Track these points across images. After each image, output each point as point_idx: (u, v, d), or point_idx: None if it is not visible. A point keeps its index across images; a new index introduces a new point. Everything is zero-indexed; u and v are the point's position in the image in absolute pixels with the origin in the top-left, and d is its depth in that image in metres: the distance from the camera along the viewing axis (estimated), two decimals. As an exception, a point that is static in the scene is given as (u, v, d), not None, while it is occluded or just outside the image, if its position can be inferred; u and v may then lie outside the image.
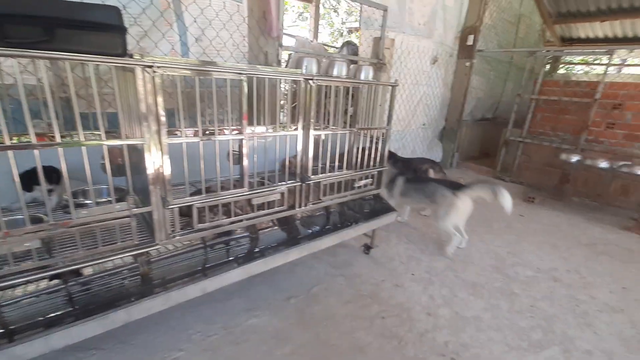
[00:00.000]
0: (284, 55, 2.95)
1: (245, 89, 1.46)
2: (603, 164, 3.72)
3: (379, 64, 3.48)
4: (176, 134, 1.66)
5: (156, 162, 1.33)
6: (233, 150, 1.77)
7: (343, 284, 2.20)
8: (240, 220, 1.70)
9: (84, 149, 1.18)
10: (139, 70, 1.20)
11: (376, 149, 2.18)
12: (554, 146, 4.42)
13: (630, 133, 3.99)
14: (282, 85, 2.62)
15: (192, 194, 1.56)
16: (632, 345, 1.82)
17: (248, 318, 1.85)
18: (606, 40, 6.30)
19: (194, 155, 1.46)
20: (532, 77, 4.96)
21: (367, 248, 2.60)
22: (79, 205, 1.47)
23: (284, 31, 2.61)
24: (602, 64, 4.06)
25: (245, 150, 1.58)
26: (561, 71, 7.79)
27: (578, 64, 8.47)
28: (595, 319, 2.02)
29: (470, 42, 4.81)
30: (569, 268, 2.59)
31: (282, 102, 2.70)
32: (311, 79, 1.65)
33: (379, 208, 2.45)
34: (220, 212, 1.61)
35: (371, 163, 2.19)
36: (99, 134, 1.22)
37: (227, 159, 2.07)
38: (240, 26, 2.45)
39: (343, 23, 9.04)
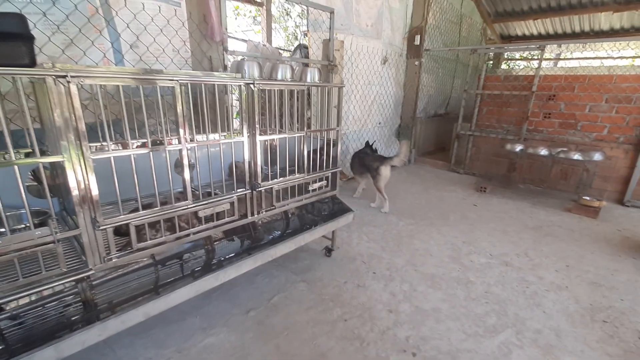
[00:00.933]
0: (231, 60, 2.86)
1: (180, 96, 1.37)
2: (543, 152, 3.99)
3: (330, 66, 3.49)
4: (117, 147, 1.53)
5: (81, 179, 1.21)
6: (178, 160, 1.68)
7: (304, 290, 2.16)
8: (187, 235, 1.60)
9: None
10: (50, 81, 1.08)
11: (328, 151, 2.17)
12: (499, 137, 4.69)
13: (564, 121, 4.33)
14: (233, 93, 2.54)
15: (131, 211, 1.45)
16: (576, 320, 1.94)
17: (204, 337, 1.75)
18: (540, 37, 6.82)
19: (136, 170, 1.36)
20: (477, 74, 5.24)
21: (329, 250, 2.58)
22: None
23: (237, 35, 2.53)
24: (537, 59, 4.36)
25: (186, 161, 1.50)
26: (504, 67, 8.33)
27: (518, 59, 9.12)
28: (543, 298, 2.14)
29: (417, 42, 4.99)
30: (519, 252, 2.74)
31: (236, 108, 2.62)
32: (252, 83, 1.60)
33: (337, 210, 2.44)
34: (162, 228, 1.51)
35: (324, 165, 2.17)
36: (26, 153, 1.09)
37: (174, 171, 1.97)
38: (180, 31, 2.34)
39: (297, 26, 9.03)
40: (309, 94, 3.20)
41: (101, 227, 1.28)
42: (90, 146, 1.60)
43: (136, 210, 1.41)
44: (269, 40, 5.52)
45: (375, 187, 3.45)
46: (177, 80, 1.35)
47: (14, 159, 1.09)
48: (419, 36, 4.94)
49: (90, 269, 1.32)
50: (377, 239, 2.90)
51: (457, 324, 1.88)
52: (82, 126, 1.17)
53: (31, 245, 1.18)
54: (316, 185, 2.15)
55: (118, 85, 1.26)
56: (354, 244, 2.79)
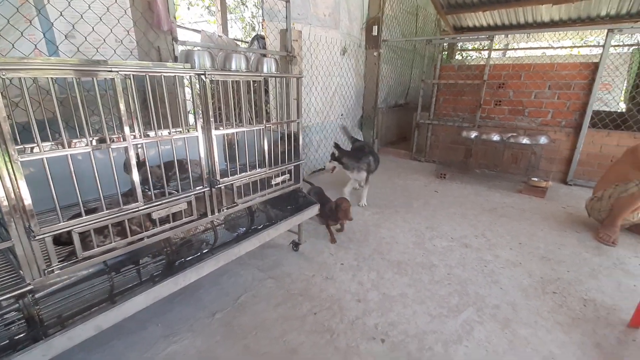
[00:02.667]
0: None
1: (120, 88, 1.26)
2: (496, 137, 4.21)
3: (289, 57, 3.42)
4: (57, 147, 1.37)
5: (8, 185, 1.07)
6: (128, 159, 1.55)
7: (272, 286, 2.12)
8: (141, 239, 1.49)
9: None
10: (-42, 73, 0.93)
11: (289, 143, 2.11)
12: (456, 125, 4.88)
13: (513, 108, 4.59)
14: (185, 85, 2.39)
15: (73, 217, 1.32)
16: (529, 293, 2.08)
17: (167, 345, 1.66)
18: (489, 28, 7.16)
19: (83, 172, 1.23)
20: (433, 64, 5.40)
21: (296, 245, 2.55)
22: None
23: (187, 27, 2.38)
24: (487, 49, 4.57)
25: (133, 159, 1.38)
26: (458, 57, 8.68)
27: (471, 50, 9.55)
28: (500, 275, 2.26)
29: (375, 32, 5.03)
30: (477, 233, 2.88)
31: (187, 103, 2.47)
32: (203, 74, 1.51)
33: (302, 203, 2.41)
34: (112, 234, 1.39)
35: (287, 158, 2.12)
36: None
37: (124, 171, 1.83)
38: (122, 19, 2.15)
39: (253, 16, 8.78)
40: (266, 86, 3.11)
41: (37, 237, 1.15)
42: (25, 147, 1.46)
43: (79, 215, 1.28)
44: (225, 30, 5.31)
45: (367, 181, 3.51)
46: (116, 71, 1.23)
47: None
48: (376, 27, 4.98)
49: (29, 284, 1.19)
50: (345, 229, 2.91)
51: (423, 307, 1.93)
52: (6, 125, 1.03)
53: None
54: (279, 179, 2.09)
55: (50, 79, 1.12)
56: (321, 237, 2.78)
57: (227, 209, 1.83)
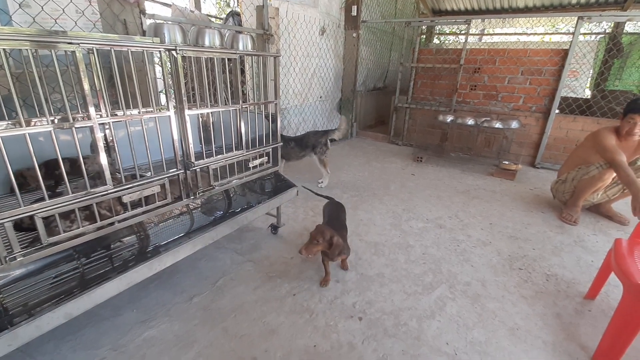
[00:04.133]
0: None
1: (82, 64, 1.17)
2: (470, 122, 4.32)
3: (266, 35, 3.30)
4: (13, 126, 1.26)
5: (-42, 167, 0.99)
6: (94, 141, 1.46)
7: (251, 269, 2.11)
8: (111, 224, 1.43)
9: None
10: None
11: (268, 124, 2.07)
12: (433, 109, 4.95)
13: (487, 93, 4.70)
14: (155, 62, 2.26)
15: (36, 201, 1.24)
16: (498, 270, 2.19)
17: (144, 330, 1.63)
18: (467, 12, 7.21)
19: (42, 154, 1.14)
20: (411, 47, 5.39)
21: (274, 228, 2.54)
22: None
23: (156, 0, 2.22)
24: (464, 34, 4.61)
25: (100, 139, 1.30)
26: (435, 41, 8.72)
27: (449, 34, 9.60)
28: (471, 254, 2.36)
29: (354, 12, 4.94)
30: (451, 214, 2.97)
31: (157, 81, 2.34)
32: (174, 49, 1.43)
33: (280, 186, 2.39)
34: (79, 219, 1.32)
35: (264, 140, 2.08)
36: None
37: (91, 152, 1.74)
38: (83, -12, 1.99)
39: (228, -7, 8.38)
40: (242, 65, 3.00)
41: (-5, 222, 1.07)
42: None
43: (41, 199, 1.21)
44: (197, 6, 5.05)
45: (322, 162, 3.42)
46: (77, 44, 1.14)
47: None
48: (355, 7, 4.89)
49: (-12, 272, 1.12)
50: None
51: (399, 286, 2.00)
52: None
53: None
54: (257, 162, 2.05)
55: (2, 51, 1.02)
56: (300, 220, 2.78)
57: (203, 192, 1.78)
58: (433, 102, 5.06)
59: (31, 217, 1.19)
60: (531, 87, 4.42)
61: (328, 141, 3.41)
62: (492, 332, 1.67)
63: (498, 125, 4.16)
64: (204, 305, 1.80)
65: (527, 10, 6.58)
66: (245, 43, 1.90)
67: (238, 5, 3.63)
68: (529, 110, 4.48)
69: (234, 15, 3.92)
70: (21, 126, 1.11)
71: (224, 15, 7.91)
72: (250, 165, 2.02)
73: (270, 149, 2.13)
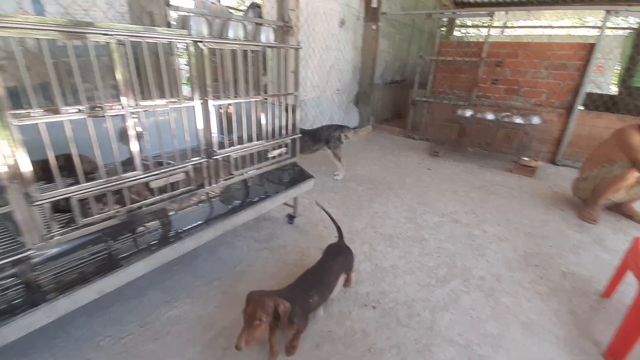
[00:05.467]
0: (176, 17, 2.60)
1: (116, 55, 1.23)
2: (490, 116, 4.24)
3: (286, 27, 3.33)
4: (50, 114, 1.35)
5: (6, 148, 1.07)
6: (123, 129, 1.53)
7: (268, 257, 2.18)
8: (139, 208, 1.51)
9: None
10: (-51, 31, 0.90)
11: (287, 116, 2.11)
12: (452, 103, 4.88)
13: (509, 87, 4.59)
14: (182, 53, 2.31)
15: (72, 184, 1.32)
16: (513, 265, 2.18)
17: (167, 310, 1.71)
18: (490, 4, 7.02)
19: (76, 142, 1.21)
20: (432, 40, 5.31)
21: (291, 218, 2.59)
22: None
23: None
24: (487, 26, 4.50)
25: (132, 127, 1.37)
26: (456, 34, 8.52)
27: (470, 26, 9.36)
28: (487, 249, 2.36)
29: (374, 4, 4.89)
30: (467, 209, 2.96)
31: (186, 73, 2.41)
32: (201, 42, 1.47)
33: (298, 176, 2.43)
34: (110, 202, 1.40)
35: (284, 131, 2.12)
36: None
37: (121, 142, 1.82)
38: (113, -20, 2.06)
39: (248, -16, 8.38)
40: (264, 57, 3.04)
41: (36, 203, 1.16)
42: (15, 114, 1.43)
43: (77, 182, 1.28)
44: (218, -2, 5.09)
45: (336, 156, 3.45)
46: (113, 35, 1.20)
47: None
48: (376, -2, 4.84)
49: (29, 249, 1.21)
50: (338, 204, 2.97)
51: (413, 277, 2.02)
52: (1, 89, 1.01)
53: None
54: (276, 152, 2.10)
55: (41, 42, 1.09)
56: (315, 211, 2.82)
57: (223, 180, 1.84)
58: (452, 96, 4.99)
59: (66, 200, 1.28)
60: (555, 82, 4.30)
61: (342, 136, 3.42)
62: (505, 326, 1.68)
63: (519, 120, 4.07)
64: (223, 289, 1.87)
65: (553, 3, 6.35)
66: (267, 35, 1.93)
67: (259, -4, 3.65)
68: (552, 106, 4.37)
69: (254, 7, 3.95)
70: (58, 113, 1.18)
71: (243, 7, 7.95)
72: (270, 155, 2.07)
73: (289, 140, 2.17)
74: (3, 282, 1.31)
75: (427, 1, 6.90)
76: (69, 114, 1.21)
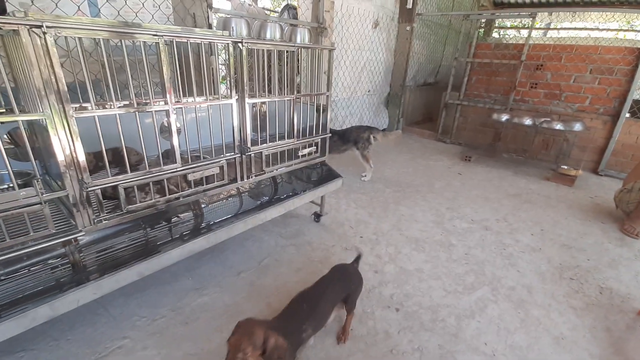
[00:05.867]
0: (216, 19, 2.72)
1: (164, 54, 1.31)
2: (528, 122, 4.07)
3: (320, 28, 3.37)
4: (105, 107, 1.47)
5: (65, 138, 1.18)
6: (163, 124, 1.63)
7: (294, 253, 2.22)
8: (177, 199, 1.60)
9: (-35, 128, 0.99)
10: (24, 32, 1.01)
11: (318, 115, 2.14)
12: (487, 107, 4.73)
13: (549, 92, 4.38)
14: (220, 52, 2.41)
15: (119, 173, 1.43)
16: (546, 277, 2.09)
17: (198, 297, 1.80)
18: (532, 5, 6.71)
19: (112, 134, 1.31)
20: (468, 41, 5.16)
21: (317, 216, 2.63)
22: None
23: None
24: (527, 28, 4.32)
25: (174, 122, 1.46)
26: (495, 35, 8.21)
27: (510, 28, 8.99)
28: (518, 259, 2.27)
29: (409, 5, 4.83)
30: (499, 217, 2.86)
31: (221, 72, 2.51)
32: (240, 42, 1.54)
33: (326, 175, 2.47)
34: (152, 191, 1.50)
35: (314, 130, 2.16)
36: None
37: (161, 136, 1.93)
38: (160, -16, 2.19)
39: (283, -15, 8.54)
40: (298, 58, 3.09)
41: (89, 189, 1.26)
42: (78, 106, 1.56)
43: (124, 172, 1.39)
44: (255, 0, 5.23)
45: (364, 157, 3.44)
46: (161, 36, 1.28)
47: (-8, 116, 1.04)
48: (411, -1, 4.78)
49: (80, 231, 1.32)
50: (365, 205, 2.97)
51: (439, 283, 1.99)
52: (63, 82, 1.11)
53: (16, 206, 1.15)
54: (306, 151, 2.15)
55: (96, 42, 1.19)
56: (342, 210, 2.85)
57: (255, 176, 1.91)
58: (487, 100, 4.83)
59: (113, 188, 1.38)
60: (600, 87, 4.05)
61: (371, 137, 3.41)
62: (534, 339, 1.62)
63: (559, 126, 3.88)
64: (250, 281, 1.94)
65: (600, 4, 5.97)
66: (302, 36, 1.98)
67: (295, -2, 3.72)
68: (596, 112, 4.12)
69: (290, 9, 4.03)
70: (110, 107, 1.28)
71: (278, 9, 8.11)
72: (300, 154, 2.12)
73: (319, 140, 2.21)
74: (54, 261, 1.44)
75: (465, 2, 6.71)
76: (119, 109, 1.31)
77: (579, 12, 5.15)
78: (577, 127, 3.83)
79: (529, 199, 3.29)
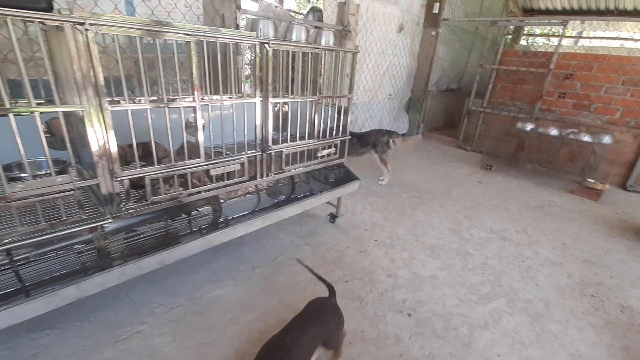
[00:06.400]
0: (244, 20, 2.78)
1: (194, 52, 1.37)
2: (554, 132, 3.95)
3: (344, 31, 3.39)
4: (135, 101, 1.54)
5: (99, 130, 1.24)
6: (188, 120, 1.70)
7: (308, 252, 2.25)
8: (199, 192, 1.65)
9: (12, 117, 1.07)
10: (68, 28, 1.08)
11: (339, 117, 2.17)
12: (511, 115, 4.62)
13: (578, 102, 4.24)
14: (246, 53, 2.48)
15: (143, 166, 1.49)
16: (566, 293, 2.03)
17: (213, 289, 1.85)
18: (564, 12, 6.50)
19: (147, 126, 1.38)
20: (494, 47, 5.07)
21: (333, 217, 2.65)
22: (14, 179, 1.36)
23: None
24: (558, 36, 4.20)
25: (200, 118, 1.51)
26: (522, 43, 8.01)
27: (538, 35, 8.75)
28: (537, 272, 2.22)
29: (436, 10, 4.79)
30: (518, 228, 2.80)
31: (247, 71, 2.58)
32: (267, 43, 1.58)
33: (343, 177, 2.48)
34: (176, 184, 1.56)
35: (334, 132, 2.18)
36: (37, 102, 1.12)
37: (186, 132, 2.00)
38: (193, -15, 2.27)
39: (309, -12, 8.62)
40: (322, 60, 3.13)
41: (119, 178, 1.33)
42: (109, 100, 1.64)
43: (151, 165, 1.45)
44: (281, 1, 5.32)
45: (382, 161, 3.44)
46: (193, 35, 1.34)
47: (34, 106, 1.12)
48: (438, 4, 4.73)
49: (108, 218, 1.39)
50: (381, 209, 2.97)
51: (453, 291, 1.97)
52: (101, 76, 1.18)
53: (52, 191, 1.23)
54: (325, 152, 2.17)
55: (130, 39, 1.25)
56: (357, 213, 2.85)
57: (275, 174, 1.95)
58: (512, 108, 4.72)
59: (139, 180, 1.45)
60: (632, 100, 3.89)
61: (390, 141, 3.40)
62: (549, 354, 1.58)
63: (586, 138, 3.75)
64: (264, 277, 1.97)
65: (636, 14, 5.73)
66: (327, 38, 2.01)
67: (321, 1, 3.76)
68: (627, 125, 3.96)
69: (315, 11, 4.07)
70: (140, 102, 1.34)
71: (303, 11, 8.19)
72: (319, 154, 2.15)
73: (339, 141, 2.23)
74: (79, 246, 1.52)
75: (493, 7, 6.58)
76: (150, 103, 1.37)
77: (613, 21, 4.95)
78: (606, 139, 3.69)
79: (551, 212, 3.20)
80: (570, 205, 3.41)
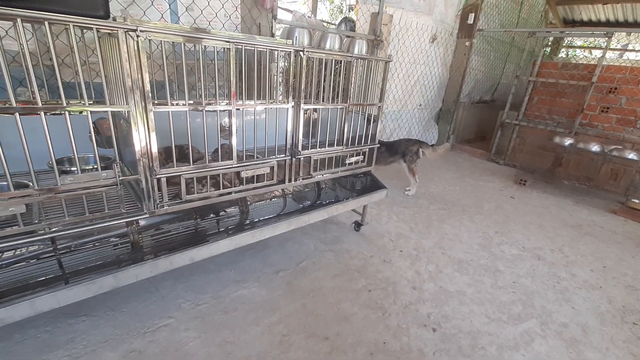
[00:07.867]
0: (279, 29, 2.87)
1: (233, 59, 1.43)
2: (595, 148, 3.74)
3: (376, 41, 3.41)
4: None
5: (142, 130, 1.32)
6: (222, 124, 1.76)
7: (332, 258, 2.25)
8: (229, 193, 1.70)
9: (67, 115, 1.16)
10: (121, 34, 1.17)
11: (368, 125, 2.17)
12: (548, 129, 4.42)
13: (623, 117, 4.00)
14: (280, 60, 2.55)
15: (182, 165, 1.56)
16: (606, 319, 1.90)
17: (238, 289, 1.89)
18: (607, 24, 6.20)
19: (184, 128, 1.45)
20: (532, 59, 4.90)
21: (358, 225, 2.63)
22: (65, 172, 1.46)
23: (282, 6, 2.53)
24: (601, 48, 4.00)
25: (234, 122, 1.57)
26: (562, 55, 7.69)
27: (579, 47, 8.37)
28: (574, 295, 2.09)
29: (471, 20, 4.71)
30: (554, 247, 2.65)
31: (279, 78, 2.65)
32: (302, 51, 1.62)
33: (370, 185, 2.47)
34: (208, 184, 1.61)
35: (362, 140, 2.19)
36: (87, 103, 1.20)
37: (220, 135, 2.07)
38: (233, -4, 2.37)
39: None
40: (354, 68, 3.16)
41: (157, 176, 1.40)
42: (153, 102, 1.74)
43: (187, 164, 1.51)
44: (314, 12, 5.44)
45: (411, 170, 3.38)
46: (232, 42, 1.40)
47: (87, 106, 1.21)
48: (473, 14, 4.66)
49: (145, 213, 1.46)
50: (407, 219, 2.92)
51: (481, 308, 1.89)
52: (148, 79, 1.26)
53: (97, 185, 1.31)
54: (353, 159, 2.17)
55: (173, 46, 1.33)
56: (383, 222, 2.82)
57: (303, 179, 1.97)
58: (549, 122, 4.52)
59: (175, 179, 1.51)
60: (688, 116, 3.61)
61: (420, 151, 3.35)
62: (587, 384, 1.48)
63: (632, 156, 3.52)
64: (287, 280, 1.99)
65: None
66: (360, 47, 2.03)
67: (354, 11, 3.81)
68: (680, 144, 3.67)
69: (347, 21, 4.13)
70: (179, 105, 1.41)
71: (335, 21, 8.31)
72: (347, 161, 2.15)
73: (367, 149, 2.23)
74: (115, 240, 1.60)
75: (531, 18, 6.38)
76: (190, 105, 1.44)
77: (666, 32, 4.66)
78: (655, 158, 3.44)
79: (590, 232, 3.01)
80: (612, 225, 3.19)
